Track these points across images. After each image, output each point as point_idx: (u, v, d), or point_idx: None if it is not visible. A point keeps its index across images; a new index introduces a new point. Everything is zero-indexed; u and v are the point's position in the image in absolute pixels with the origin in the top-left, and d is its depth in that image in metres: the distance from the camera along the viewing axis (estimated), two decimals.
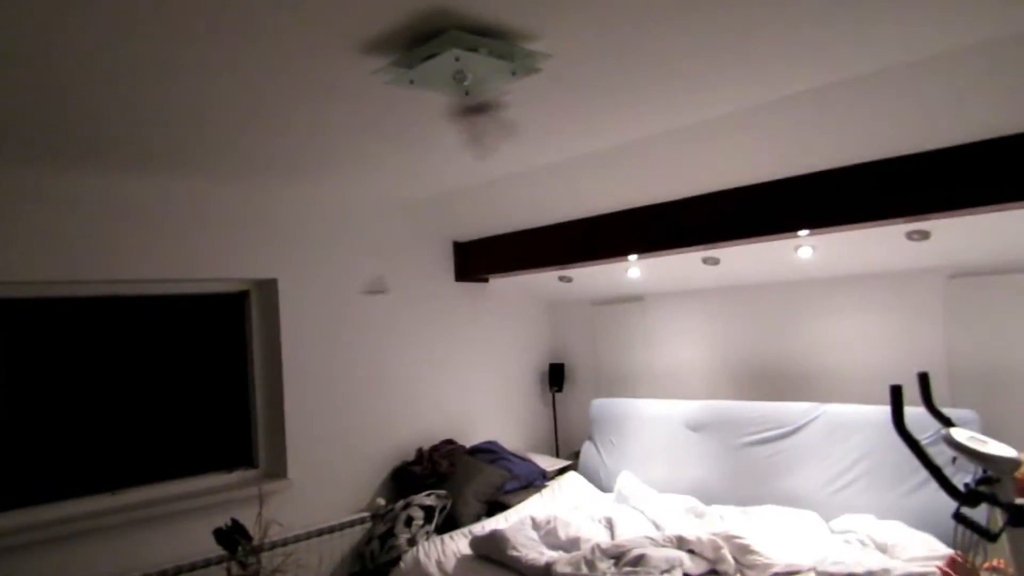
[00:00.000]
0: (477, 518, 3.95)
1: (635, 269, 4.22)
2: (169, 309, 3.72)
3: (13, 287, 3.15)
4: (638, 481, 4.05)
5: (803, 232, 3.17)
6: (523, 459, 4.43)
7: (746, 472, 3.74)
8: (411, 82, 2.04)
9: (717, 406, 4.03)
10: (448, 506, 3.90)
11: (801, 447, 3.57)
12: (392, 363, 4.29)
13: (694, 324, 4.45)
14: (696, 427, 4.03)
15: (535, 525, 3.59)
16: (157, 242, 3.41)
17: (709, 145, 3.04)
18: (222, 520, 3.11)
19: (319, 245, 4.00)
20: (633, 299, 4.75)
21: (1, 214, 3.00)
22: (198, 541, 3.32)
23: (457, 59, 1.88)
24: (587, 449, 4.55)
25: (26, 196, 3.06)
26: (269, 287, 3.86)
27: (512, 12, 1.76)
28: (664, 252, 3.71)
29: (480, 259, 4.63)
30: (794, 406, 3.70)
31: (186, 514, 3.42)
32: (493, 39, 1.89)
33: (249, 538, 3.12)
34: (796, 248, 3.46)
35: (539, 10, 1.76)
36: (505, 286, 4.93)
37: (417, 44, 1.89)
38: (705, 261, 3.88)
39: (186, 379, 3.76)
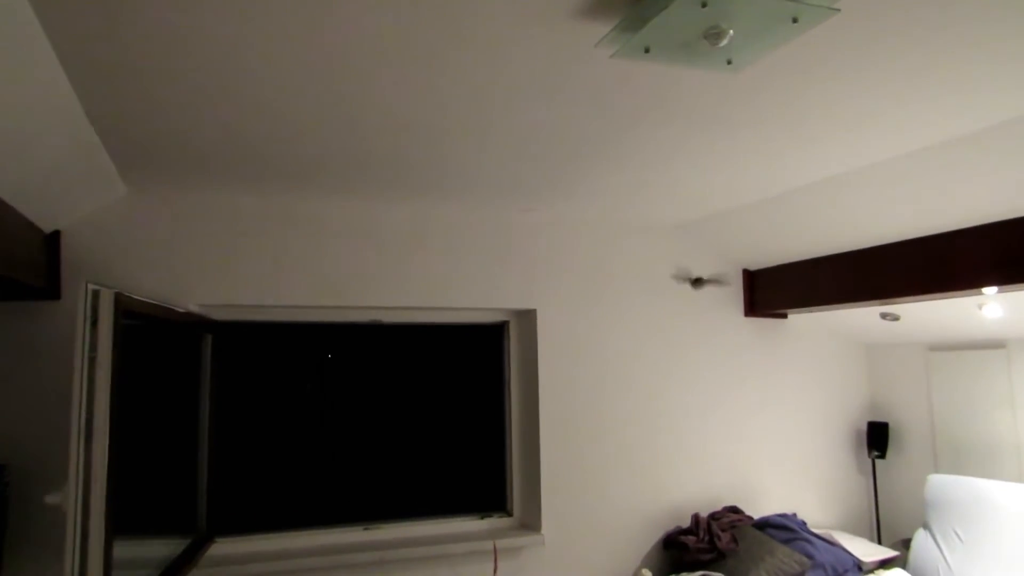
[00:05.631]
0: None
1: (993, 306, 3.14)
2: (427, 339, 3.59)
3: (283, 311, 3.22)
4: None
5: None
6: (829, 542, 3.52)
7: None
8: (646, 51, 1.51)
9: None
10: None
11: None
12: (666, 410, 3.70)
13: None
14: None
15: None
16: (417, 268, 3.29)
17: None
18: (469, 573, 2.80)
19: (583, 273, 3.59)
20: (991, 345, 3.58)
21: (268, 238, 3.08)
22: None
23: (705, 4, 1.31)
24: (921, 539, 3.49)
25: (291, 221, 3.12)
26: (528, 318, 3.54)
27: None
28: None
29: (777, 290, 3.84)
30: None
31: (435, 561, 3.19)
32: None
33: None
34: None
35: None
36: (809, 323, 4.06)
37: None
38: None
39: (442, 413, 3.58)
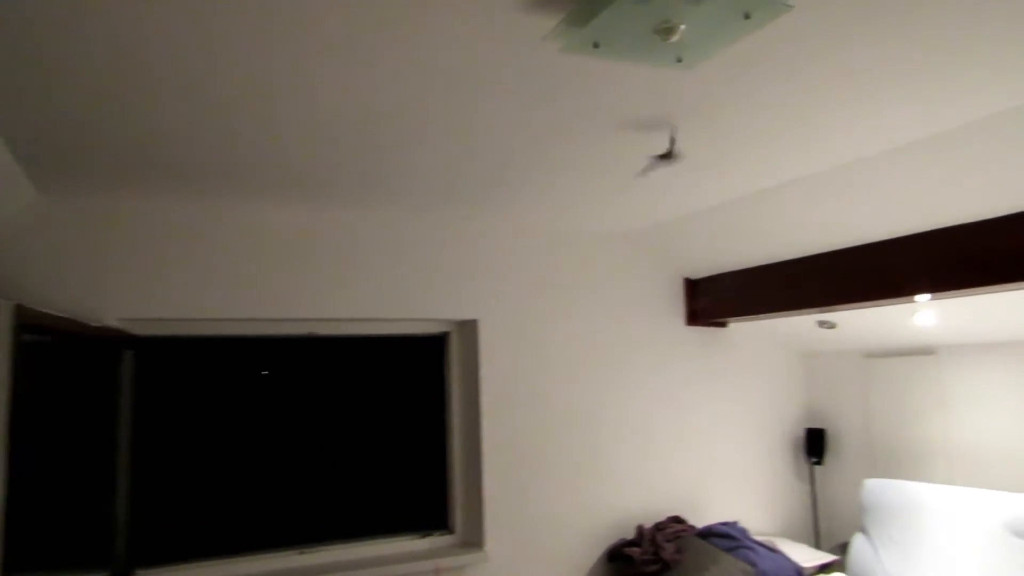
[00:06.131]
0: None
1: (926, 313, 3.20)
2: (366, 352, 3.46)
3: (213, 324, 3.04)
4: None
5: None
6: (771, 549, 3.52)
7: None
8: (595, 46, 1.45)
9: None
10: None
11: None
12: (609, 421, 3.66)
13: (1017, 387, 3.28)
14: None
15: None
16: (354, 278, 3.17)
17: None
18: None
19: (525, 283, 3.53)
20: (922, 352, 3.67)
21: (195, 247, 2.91)
22: None
23: None
24: (858, 543, 3.53)
25: (220, 229, 2.95)
26: (469, 329, 3.45)
27: None
28: (972, 290, 2.71)
29: (717, 299, 3.86)
30: None
31: None
32: None
33: None
34: None
35: None
36: (749, 332, 4.09)
37: None
38: None
39: (381, 428, 3.45)
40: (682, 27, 1.36)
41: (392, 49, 1.58)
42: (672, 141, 2.16)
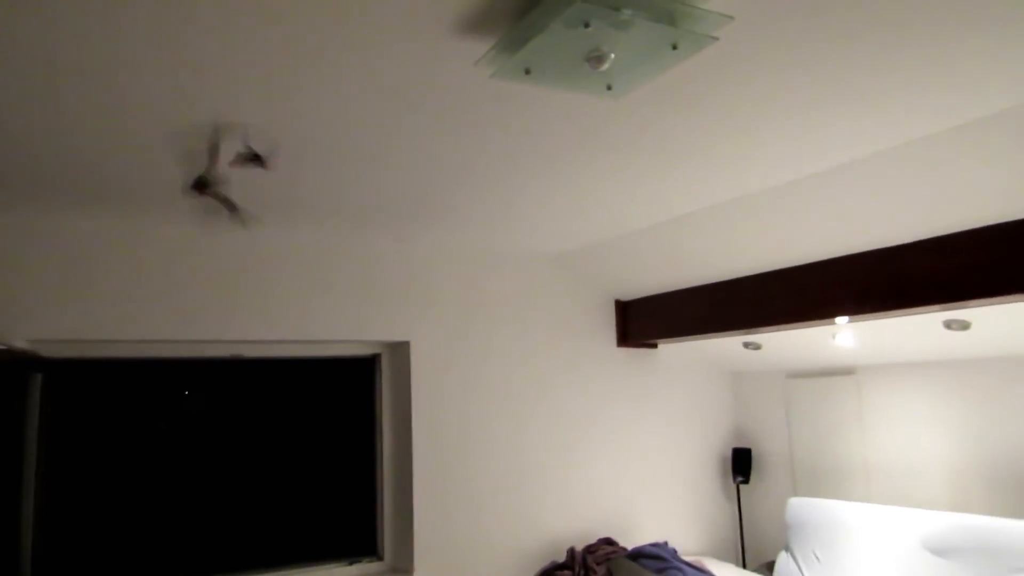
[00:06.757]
0: None
1: (845, 334, 3.32)
2: (293, 374, 3.37)
3: (131, 346, 2.91)
4: None
5: None
6: (700, 569, 3.56)
7: None
8: (527, 72, 1.46)
9: (971, 523, 2.98)
10: None
11: None
12: (541, 443, 3.65)
13: (930, 407, 3.42)
14: (939, 550, 3.00)
15: None
16: (281, 298, 3.08)
17: (957, 163, 2.19)
18: None
19: (458, 304, 3.50)
20: (842, 372, 3.80)
21: (114, 266, 2.78)
22: None
23: (587, 24, 1.27)
24: (783, 562, 3.60)
25: (140, 247, 2.84)
26: (401, 351, 3.40)
27: None
28: (888, 313, 2.82)
29: (647, 321, 3.92)
30: None
31: None
32: None
33: None
34: None
35: None
36: (678, 353, 4.16)
37: (526, 12, 1.31)
38: (948, 325, 2.92)
39: (308, 452, 3.36)
40: (612, 56, 1.38)
41: (322, 68, 1.55)
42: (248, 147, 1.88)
